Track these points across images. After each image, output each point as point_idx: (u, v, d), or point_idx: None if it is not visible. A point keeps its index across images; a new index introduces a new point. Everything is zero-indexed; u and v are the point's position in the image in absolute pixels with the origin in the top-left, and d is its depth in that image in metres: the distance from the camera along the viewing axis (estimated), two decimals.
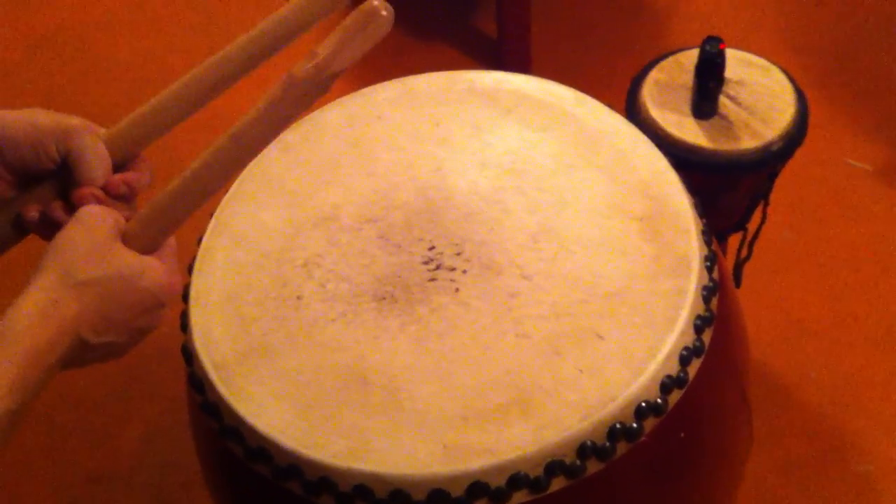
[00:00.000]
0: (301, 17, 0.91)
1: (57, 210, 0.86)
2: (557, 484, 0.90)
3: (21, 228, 0.89)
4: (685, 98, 1.40)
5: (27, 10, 2.63)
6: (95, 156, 0.86)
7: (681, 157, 1.27)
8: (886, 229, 2.00)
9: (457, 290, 1.01)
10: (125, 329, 0.80)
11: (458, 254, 1.04)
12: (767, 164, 1.38)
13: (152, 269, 0.81)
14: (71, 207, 0.85)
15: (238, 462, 0.98)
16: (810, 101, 1.43)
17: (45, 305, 0.74)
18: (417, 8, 2.56)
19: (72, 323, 0.75)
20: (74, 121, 0.87)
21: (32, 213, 0.87)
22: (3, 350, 0.72)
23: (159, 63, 2.39)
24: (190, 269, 1.07)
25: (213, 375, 0.98)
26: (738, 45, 1.46)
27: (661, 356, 0.94)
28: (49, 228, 0.85)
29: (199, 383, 1.01)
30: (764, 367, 1.80)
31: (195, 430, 1.13)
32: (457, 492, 0.89)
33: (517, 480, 0.89)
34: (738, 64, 1.44)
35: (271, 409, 0.95)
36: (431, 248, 1.05)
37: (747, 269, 1.63)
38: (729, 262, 1.59)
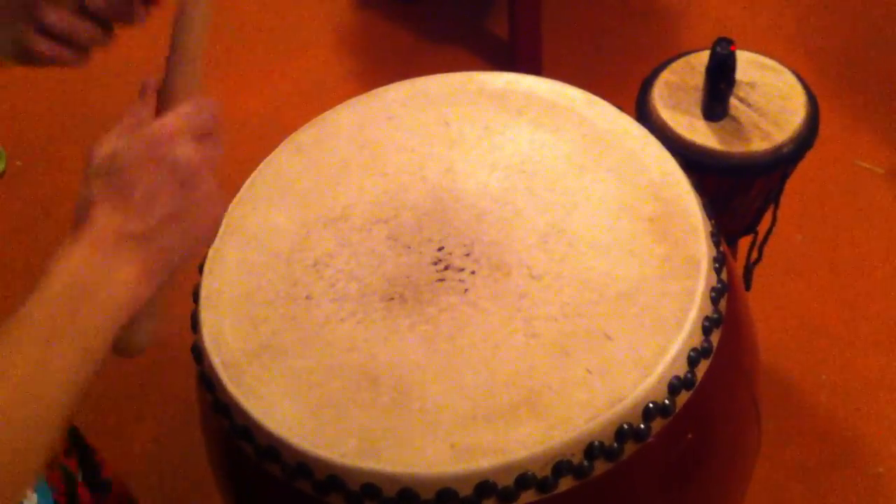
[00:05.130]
0: None
1: (50, 16, 0.83)
2: (565, 484, 0.91)
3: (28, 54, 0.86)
4: (696, 100, 1.41)
5: None
6: None
7: (691, 158, 1.27)
8: None
9: (466, 290, 1.01)
10: (151, 188, 0.72)
11: (468, 254, 1.04)
12: (778, 166, 1.38)
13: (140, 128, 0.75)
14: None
15: (248, 461, 0.98)
16: (822, 104, 1.43)
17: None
18: (430, 10, 2.56)
19: (99, 216, 0.71)
20: None
21: (42, 44, 0.84)
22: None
23: None
24: (200, 270, 1.08)
25: (224, 375, 0.98)
26: (751, 48, 1.47)
27: (668, 357, 0.94)
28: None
29: (209, 383, 1.01)
30: (775, 370, 1.80)
31: (206, 429, 1.14)
32: (465, 491, 0.89)
33: (525, 480, 0.89)
34: (750, 66, 1.44)
35: (281, 408, 0.95)
36: (441, 249, 1.05)
37: (759, 272, 1.63)
38: (740, 265, 1.59)
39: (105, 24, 0.86)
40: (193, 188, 0.74)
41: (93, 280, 0.69)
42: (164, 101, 0.78)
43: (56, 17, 0.83)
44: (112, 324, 0.70)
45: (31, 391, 0.66)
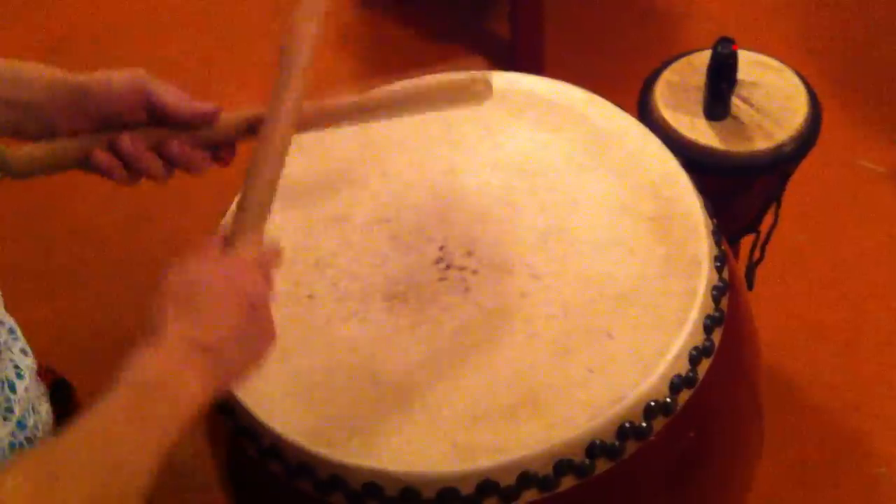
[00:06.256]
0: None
1: (125, 141, 0.88)
2: (567, 483, 0.91)
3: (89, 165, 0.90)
4: (697, 99, 1.41)
5: (43, 14, 2.65)
6: (170, 93, 0.90)
7: (693, 158, 1.27)
8: None
9: (467, 289, 1.02)
10: (225, 316, 0.78)
11: (469, 254, 1.04)
12: (780, 165, 1.38)
13: (230, 262, 0.82)
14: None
15: (252, 461, 0.99)
16: (824, 104, 1.43)
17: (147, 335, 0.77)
18: (431, 10, 2.56)
19: (170, 325, 0.76)
20: (141, 71, 0.91)
21: (100, 156, 0.89)
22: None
23: (173, 66, 2.40)
24: None
25: None
26: (752, 47, 1.46)
27: (670, 356, 0.94)
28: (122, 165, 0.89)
29: None
30: (777, 370, 1.80)
31: (209, 429, 1.14)
32: (467, 490, 0.89)
33: (526, 479, 0.89)
34: (751, 65, 1.44)
35: (284, 407, 0.96)
36: (442, 248, 1.05)
37: (760, 272, 1.63)
38: (742, 265, 1.59)
39: (170, 164, 0.91)
40: (258, 316, 0.80)
41: (163, 382, 0.73)
42: (231, 236, 0.84)
43: (129, 144, 0.89)
44: (175, 427, 0.73)
45: (119, 476, 0.70)
